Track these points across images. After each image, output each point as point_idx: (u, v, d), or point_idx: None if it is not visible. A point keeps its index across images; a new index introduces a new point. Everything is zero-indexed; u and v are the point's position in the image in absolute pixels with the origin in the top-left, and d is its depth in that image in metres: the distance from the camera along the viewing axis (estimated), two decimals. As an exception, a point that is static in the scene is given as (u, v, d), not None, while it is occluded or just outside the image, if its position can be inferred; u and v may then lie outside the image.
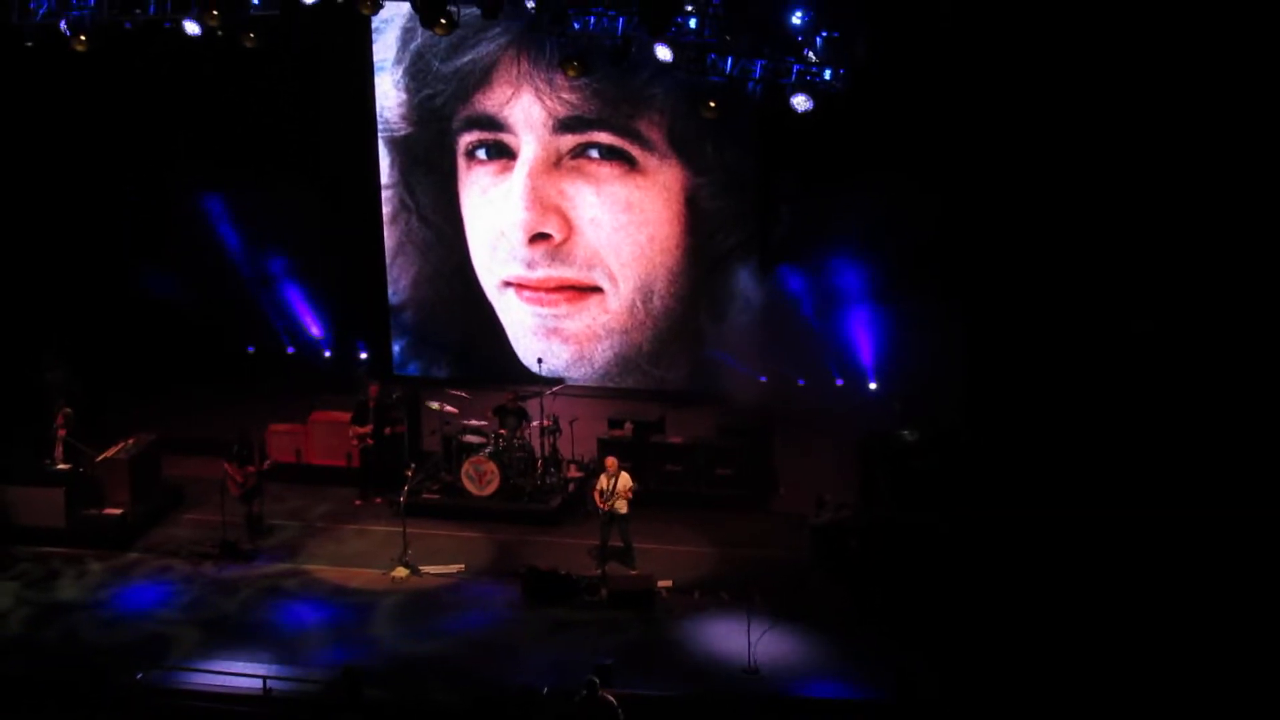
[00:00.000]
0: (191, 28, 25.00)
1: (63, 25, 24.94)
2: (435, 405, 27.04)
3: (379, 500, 26.45)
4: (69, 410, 26.13)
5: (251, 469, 25.10)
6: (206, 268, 31.44)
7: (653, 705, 19.46)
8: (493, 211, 30.89)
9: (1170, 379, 26.03)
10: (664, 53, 24.06)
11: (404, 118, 31.14)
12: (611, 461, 24.18)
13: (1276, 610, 21.41)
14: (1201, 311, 26.48)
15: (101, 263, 31.08)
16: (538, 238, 30.59)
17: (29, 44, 25.35)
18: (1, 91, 28.96)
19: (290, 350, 32.51)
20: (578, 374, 30.98)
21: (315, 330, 32.29)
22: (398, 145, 31.33)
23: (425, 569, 24.17)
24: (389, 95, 31.07)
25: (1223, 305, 26.47)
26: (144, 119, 30.64)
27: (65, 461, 25.86)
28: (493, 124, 30.52)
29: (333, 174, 31.02)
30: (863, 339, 29.06)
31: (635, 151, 29.92)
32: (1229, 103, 25.92)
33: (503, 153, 30.62)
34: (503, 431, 26.31)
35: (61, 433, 25.88)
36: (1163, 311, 26.51)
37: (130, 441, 26.41)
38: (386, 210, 31.64)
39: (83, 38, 24.93)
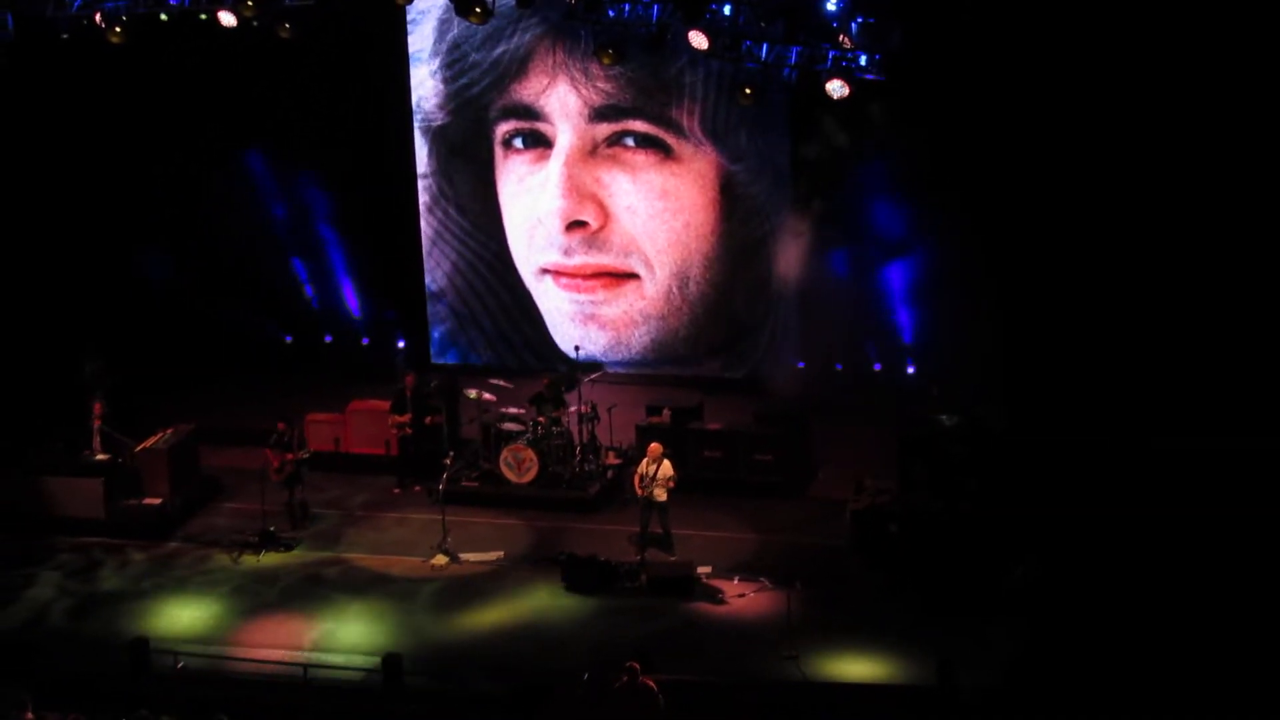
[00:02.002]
0: (227, 19, 25.09)
1: (98, 18, 25.05)
2: (473, 393, 27.08)
3: (418, 488, 26.51)
4: (103, 401, 26.20)
5: (290, 456, 25.14)
6: (243, 258, 31.55)
7: (693, 690, 19.45)
8: (529, 199, 30.93)
9: (1215, 373, 25.77)
10: (699, 40, 24.08)
11: (441, 108, 31.19)
12: (655, 447, 24.07)
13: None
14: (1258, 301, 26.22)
15: (139, 255, 31.15)
16: (574, 225, 30.62)
17: (64, 36, 25.45)
18: (36, 85, 29.00)
19: (328, 339, 32.60)
20: (615, 360, 31.01)
21: (353, 319, 32.34)
22: (434, 135, 31.36)
23: (465, 556, 24.20)
24: (425, 85, 31.11)
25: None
26: (178, 111, 30.66)
27: (104, 452, 25.95)
28: (529, 113, 30.54)
29: (369, 164, 31.06)
30: (901, 323, 28.98)
31: (670, 139, 29.91)
32: (1271, 77, 25.65)
33: (539, 141, 30.65)
34: (541, 419, 26.32)
35: (97, 423, 25.96)
36: (1210, 299, 26.25)
37: (169, 431, 26.51)
38: (424, 199, 31.71)
39: (118, 30, 25.03)
